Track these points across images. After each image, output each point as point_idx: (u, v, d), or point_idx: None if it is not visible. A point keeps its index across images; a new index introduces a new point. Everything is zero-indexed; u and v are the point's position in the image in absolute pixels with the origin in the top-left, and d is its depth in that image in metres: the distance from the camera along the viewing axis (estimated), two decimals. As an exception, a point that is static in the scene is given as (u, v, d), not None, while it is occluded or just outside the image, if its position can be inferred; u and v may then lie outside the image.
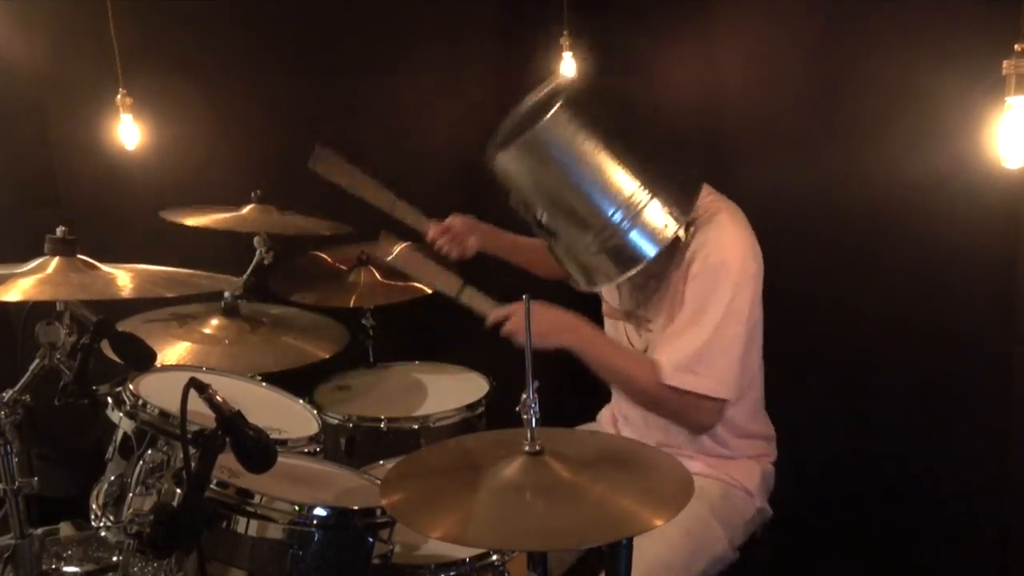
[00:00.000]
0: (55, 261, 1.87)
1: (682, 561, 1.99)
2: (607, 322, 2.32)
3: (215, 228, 2.71)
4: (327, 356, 2.52)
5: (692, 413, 2.01)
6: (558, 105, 1.92)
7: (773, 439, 2.27)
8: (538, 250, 2.48)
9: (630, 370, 2.05)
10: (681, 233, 1.98)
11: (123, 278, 1.89)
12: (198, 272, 2.07)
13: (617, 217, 1.95)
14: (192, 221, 2.70)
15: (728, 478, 2.16)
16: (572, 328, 2.04)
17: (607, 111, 2.01)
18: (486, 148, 2.04)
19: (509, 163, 1.99)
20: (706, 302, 1.99)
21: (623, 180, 1.95)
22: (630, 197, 1.95)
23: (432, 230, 2.59)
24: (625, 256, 1.98)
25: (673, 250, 2.06)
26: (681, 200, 1.98)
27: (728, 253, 2.01)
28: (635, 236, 1.96)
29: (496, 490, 1.48)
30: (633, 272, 2.01)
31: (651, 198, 1.95)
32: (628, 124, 2.04)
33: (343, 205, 2.96)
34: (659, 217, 1.96)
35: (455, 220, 2.58)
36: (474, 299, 2.23)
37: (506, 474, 1.49)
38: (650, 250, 1.96)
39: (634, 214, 1.95)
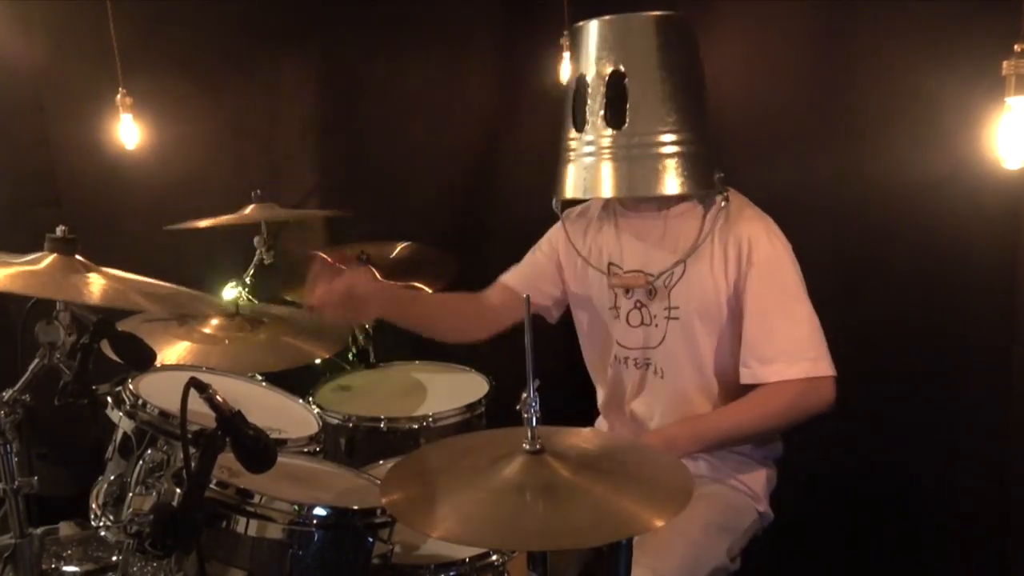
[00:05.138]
0: (51, 257, 1.88)
1: (682, 573, 1.98)
2: (613, 311, 2.27)
3: (220, 226, 2.71)
4: (327, 356, 2.52)
5: (824, 396, 2.04)
6: (686, 16, 2.02)
7: (778, 439, 2.26)
8: (444, 308, 2.42)
9: (759, 411, 2.05)
10: (684, 189, 2.01)
11: (107, 285, 1.91)
12: (192, 292, 2.09)
13: (654, 138, 1.98)
14: (195, 224, 2.70)
15: (733, 481, 2.15)
16: (678, 433, 2.07)
17: (698, 64, 2.06)
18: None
19: (611, 28, 2.01)
20: (790, 291, 2.04)
21: (688, 117, 1.99)
22: (683, 133, 1.99)
23: (320, 290, 2.13)
24: (640, 174, 2.01)
25: (694, 234, 2.08)
26: (715, 173, 2.03)
27: (777, 242, 2.07)
28: (651, 167, 1.99)
29: (496, 490, 1.47)
30: (632, 194, 2.10)
31: (693, 150, 1.99)
32: (704, 88, 2.07)
33: (343, 203, 2.97)
34: (686, 169, 1.99)
35: (352, 283, 2.14)
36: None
37: (506, 473, 1.49)
38: (652, 187, 2.01)
39: (673, 147, 1.98)
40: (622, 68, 1.97)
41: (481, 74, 3.18)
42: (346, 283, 2.14)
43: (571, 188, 2.09)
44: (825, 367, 2.02)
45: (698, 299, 2.10)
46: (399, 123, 3.21)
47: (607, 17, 2.01)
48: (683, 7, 2.75)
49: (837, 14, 2.53)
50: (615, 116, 1.99)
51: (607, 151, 2.01)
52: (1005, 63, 1.74)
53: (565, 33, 2.81)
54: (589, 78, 2.01)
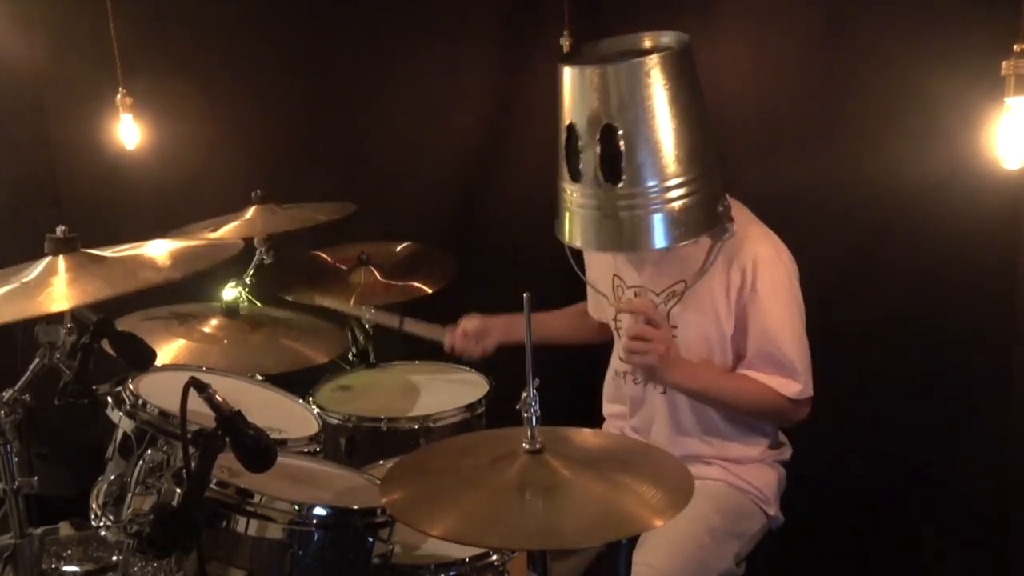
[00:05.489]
0: (60, 262, 1.85)
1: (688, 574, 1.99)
2: (612, 326, 2.30)
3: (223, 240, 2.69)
4: (325, 361, 2.52)
5: (798, 415, 2.11)
6: (673, 50, 1.88)
7: (786, 440, 2.26)
8: (562, 319, 2.53)
9: (750, 400, 2.08)
10: (696, 235, 1.94)
11: (109, 274, 1.85)
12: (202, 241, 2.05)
13: (656, 190, 1.86)
14: (197, 242, 2.69)
15: (745, 484, 2.15)
16: (676, 364, 2.06)
17: (699, 89, 1.93)
18: (567, 58, 1.97)
19: (594, 80, 1.84)
20: (785, 314, 2.05)
21: (689, 159, 1.87)
22: (686, 179, 1.87)
23: (449, 339, 2.58)
24: (636, 233, 1.91)
25: (699, 255, 2.05)
26: (719, 206, 1.94)
27: (786, 258, 2.08)
28: (656, 220, 1.88)
29: (496, 488, 1.48)
30: (620, 252, 2.08)
31: (698, 191, 1.88)
32: (708, 111, 1.94)
33: (343, 203, 2.96)
34: (694, 213, 1.89)
35: (468, 324, 2.55)
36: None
37: (506, 473, 1.49)
38: (659, 241, 1.91)
39: (677, 196, 1.87)
40: (615, 123, 1.83)
41: (481, 73, 3.18)
42: (462, 329, 2.55)
43: (570, 237, 2.00)
44: (810, 389, 2.07)
45: (698, 320, 2.10)
46: (399, 123, 3.21)
47: (594, 66, 1.85)
48: (684, 8, 2.77)
49: (837, 14, 2.53)
50: (610, 172, 1.86)
51: (604, 207, 1.89)
52: (1005, 63, 1.74)
53: (565, 33, 2.81)
54: (580, 129, 1.87)
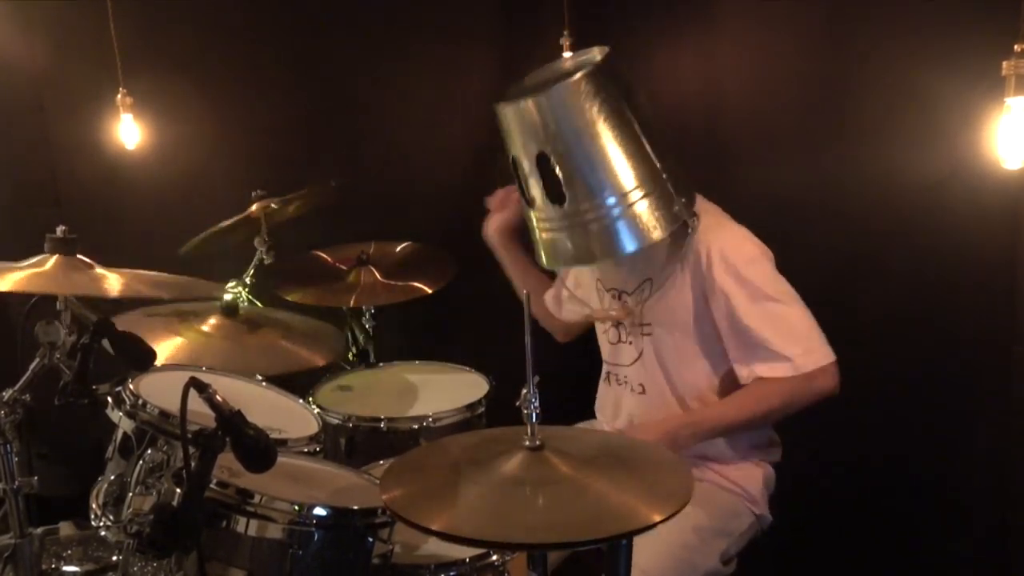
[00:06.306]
0: (54, 258, 1.88)
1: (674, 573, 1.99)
2: (597, 327, 2.32)
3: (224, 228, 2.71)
4: (323, 363, 2.51)
5: (821, 386, 2.01)
6: (589, 70, 1.91)
7: (777, 441, 2.26)
8: (534, 281, 2.50)
9: (754, 407, 2.03)
10: (657, 236, 1.97)
11: (115, 280, 1.93)
12: (192, 279, 2.10)
13: (611, 201, 1.93)
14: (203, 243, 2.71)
15: (731, 484, 2.15)
16: (680, 426, 2.04)
17: (630, 97, 1.97)
18: (501, 95, 2.00)
19: (521, 114, 1.94)
20: (760, 292, 2.00)
21: (629, 168, 1.93)
22: (629, 187, 1.93)
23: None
24: (601, 243, 1.97)
25: (661, 253, 2.08)
26: (675, 206, 1.97)
27: (747, 245, 2.05)
28: (620, 227, 1.95)
29: (496, 485, 1.48)
30: (599, 263, 2.09)
31: (647, 194, 1.94)
32: (646, 116, 1.99)
33: (344, 204, 2.97)
34: (650, 216, 1.95)
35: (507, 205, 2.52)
36: None
37: (506, 469, 1.49)
38: (628, 245, 1.96)
39: (627, 204, 1.93)
40: (547, 151, 1.93)
41: (481, 74, 3.18)
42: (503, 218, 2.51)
43: (541, 258, 2.10)
44: (813, 360, 1.99)
45: (667, 315, 2.11)
46: (399, 123, 3.21)
47: (515, 102, 1.94)
48: (685, 8, 2.77)
49: (837, 14, 2.53)
50: (554, 194, 1.96)
51: (560, 226, 1.99)
52: (1005, 63, 1.74)
53: (565, 33, 2.81)
54: (521, 161, 1.98)
